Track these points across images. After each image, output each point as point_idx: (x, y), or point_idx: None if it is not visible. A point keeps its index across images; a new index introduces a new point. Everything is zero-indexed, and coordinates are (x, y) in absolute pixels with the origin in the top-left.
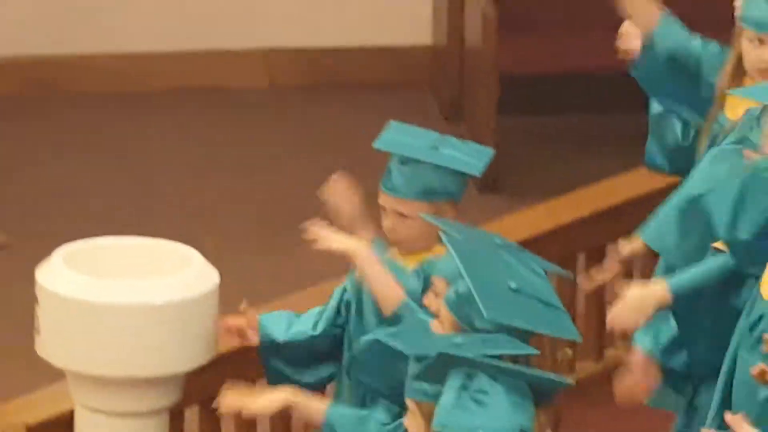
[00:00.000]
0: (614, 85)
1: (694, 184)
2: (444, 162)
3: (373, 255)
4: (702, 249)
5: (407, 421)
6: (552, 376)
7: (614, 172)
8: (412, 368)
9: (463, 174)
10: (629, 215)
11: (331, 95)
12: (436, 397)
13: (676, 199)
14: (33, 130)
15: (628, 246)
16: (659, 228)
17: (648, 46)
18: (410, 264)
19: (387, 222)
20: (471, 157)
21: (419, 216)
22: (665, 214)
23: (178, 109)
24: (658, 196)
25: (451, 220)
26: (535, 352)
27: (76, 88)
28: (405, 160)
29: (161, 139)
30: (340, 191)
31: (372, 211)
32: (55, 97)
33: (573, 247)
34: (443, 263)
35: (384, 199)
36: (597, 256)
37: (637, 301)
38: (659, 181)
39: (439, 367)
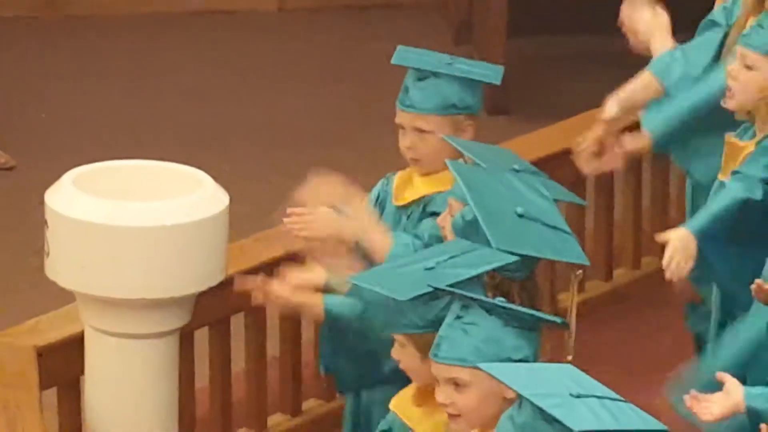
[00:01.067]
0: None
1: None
2: (461, 73)
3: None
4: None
5: (396, 353)
6: (540, 314)
7: None
8: (398, 304)
9: (479, 86)
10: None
11: (340, 18)
12: (427, 327)
13: (694, 100)
14: (41, 53)
15: (632, 140)
16: (667, 125)
17: None
18: (430, 186)
19: (405, 140)
20: (485, 70)
21: (438, 131)
22: (677, 113)
23: (187, 32)
24: None
25: (469, 137)
26: (513, 259)
27: (84, 11)
28: (422, 75)
29: (170, 62)
30: (317, 193)
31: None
32: (64, 19)
33: None
34: (458, 185)
35: (402, 117)
36: (606, 178)
37: (681, 245)
38: None
39: (430, 299)
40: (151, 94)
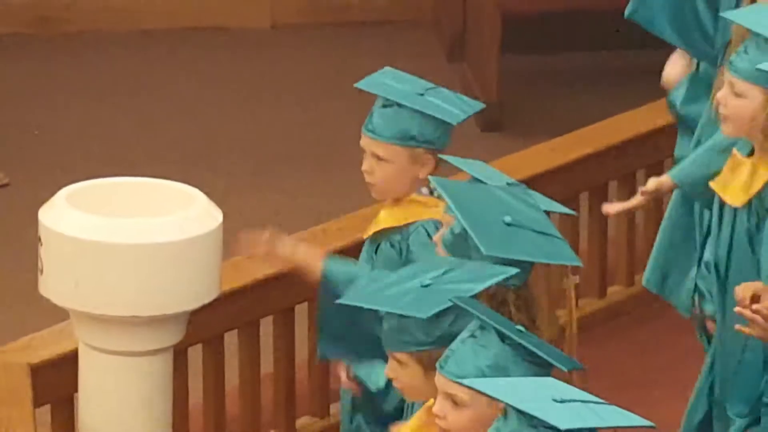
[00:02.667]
0: (616, 22)
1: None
2: (421, 107)
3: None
4: None
5: (392, 372)
6: (552, 356)
7: (617, 110)
8: (400, 322)
9: (442, 123)
10: (632, 153)
11: (334, 34)
12: (434, 343)
13: (710, 143)
14: (35, 70)
15: (656, 181)
16: (689, 168)
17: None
18: (392, 219)
19: (365, 164)
20: (455, 107)
21: (394, 161)
22: (697, 156)
23: (181, 48)
24: (661, 134)
25: (428, 172)
26: (514, 271)
27: (79, 27)
28: (386, 103)
29: (164, 78)
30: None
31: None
32: (57, 36)
33: (576, 185)
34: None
35: (363, 141)
36: (600, 195)
37: None
38: (662, 119)
39: (437, 315)
40: (144, 110)
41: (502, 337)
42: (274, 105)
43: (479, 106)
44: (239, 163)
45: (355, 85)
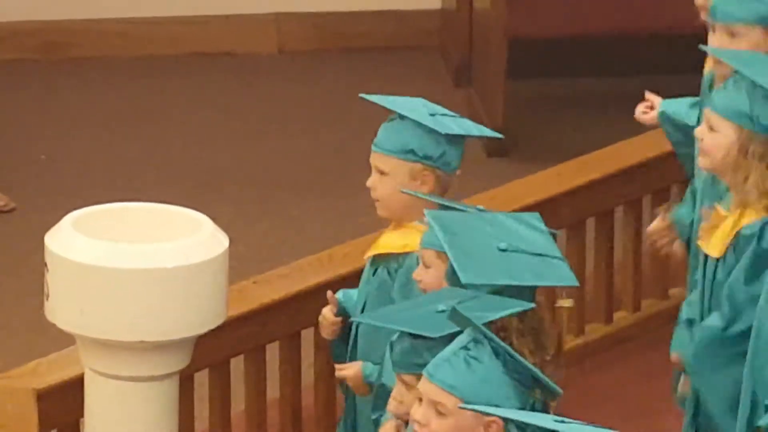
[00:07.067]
0: (623, 47)
1: None
2: (418, 118)
3: None
4: None
5: (399, 395)
6: (546, 381)
7: (624, 135)
8: (412, 344)
9: (445, 140)
10: (639, 179)
11: (341, 60)
12: None
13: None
14: (42, 95)
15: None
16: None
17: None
18: (391, 245)
19: (369, 179)
20: (455, 124)
21: (393, 174)
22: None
23: (187, 74)
24: (668, 159)
25: (428, 189)
26: (530, 305)
27: (85, 53)
28: (391, 117)
29: (170, 104)
30: None
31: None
32: (64, 62)
33: (583, 211)
34: (428, 234)
35: (371, 157)
36: (606, 220)
37: None
38: (669, 145)
39: (449, 339)
40: (151, 136)
41: (496, 353)
42: (281, 130)
43: (489, 132)
44: (246, 188)
45: (361, 95)
